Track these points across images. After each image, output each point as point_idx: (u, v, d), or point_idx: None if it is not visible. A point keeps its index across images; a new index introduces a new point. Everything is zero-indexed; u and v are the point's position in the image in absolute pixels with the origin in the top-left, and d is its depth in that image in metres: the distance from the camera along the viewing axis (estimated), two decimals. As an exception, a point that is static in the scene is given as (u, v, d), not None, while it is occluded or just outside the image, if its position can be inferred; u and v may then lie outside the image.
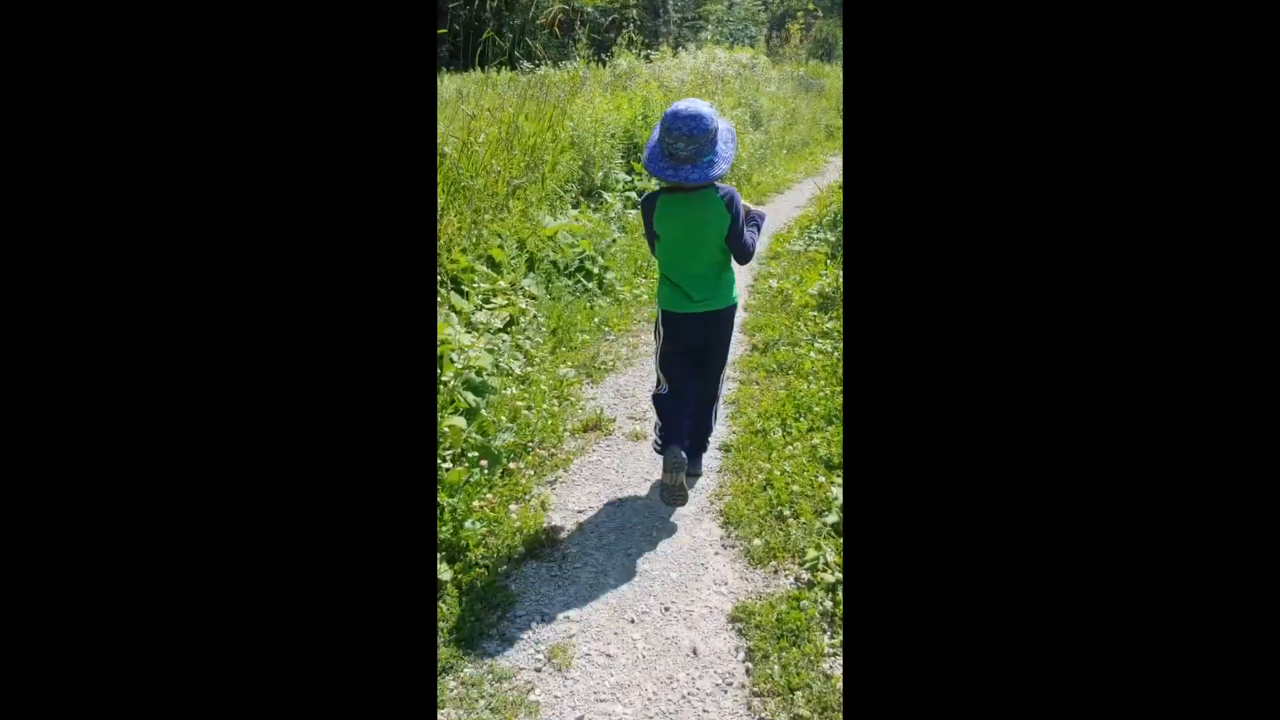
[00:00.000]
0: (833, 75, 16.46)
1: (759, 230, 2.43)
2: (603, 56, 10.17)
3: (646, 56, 10.13)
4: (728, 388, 3.29)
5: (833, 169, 9.83)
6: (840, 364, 3.50)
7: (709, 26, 19.59)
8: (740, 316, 3.98)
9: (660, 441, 2.58)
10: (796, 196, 8.12)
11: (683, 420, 2.51)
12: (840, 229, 5.78)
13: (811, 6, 25.42)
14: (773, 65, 13.66)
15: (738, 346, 4.01)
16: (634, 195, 6.06)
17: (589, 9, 17.67)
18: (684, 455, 2.41)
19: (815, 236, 5.93)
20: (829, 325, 4.04)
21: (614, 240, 5.22)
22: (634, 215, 5.80)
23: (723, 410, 3.12)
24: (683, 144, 2.19)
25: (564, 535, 2.52)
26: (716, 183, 2.30)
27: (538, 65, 7.63)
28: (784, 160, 9.73)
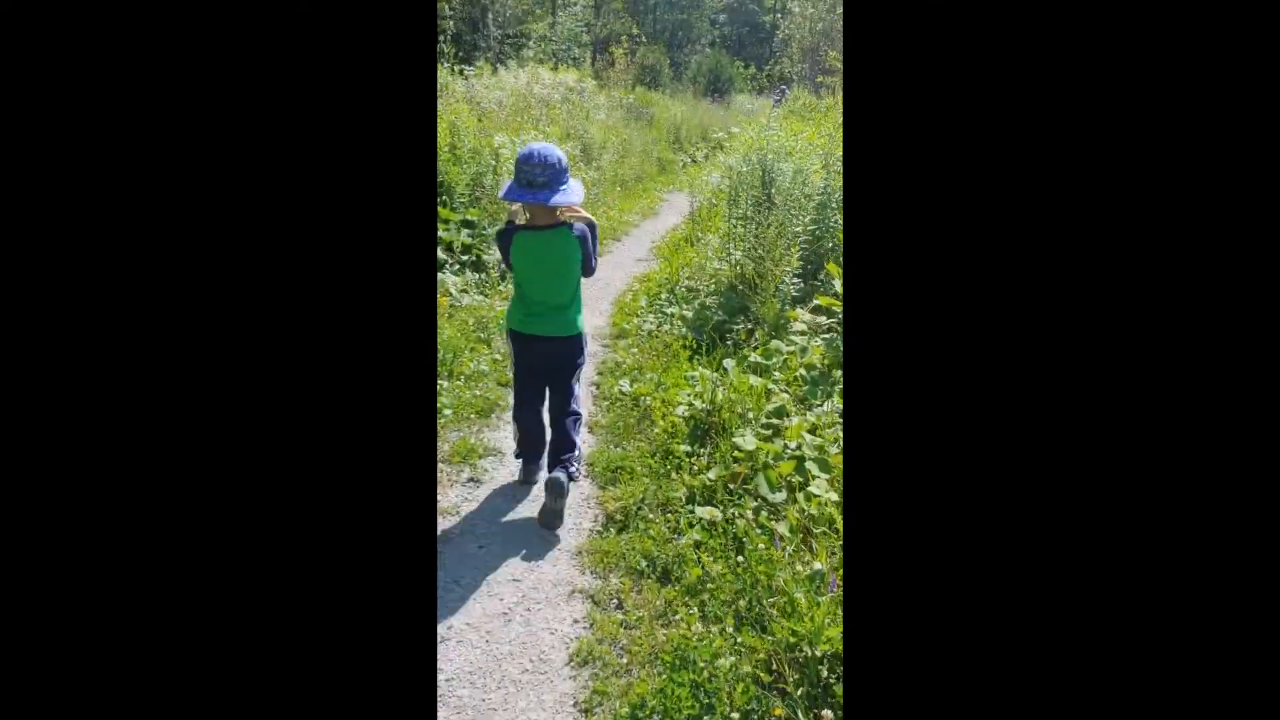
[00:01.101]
0: (660, 103, 15.81)
1: (595, 240, 2.65)
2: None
3: (461, 72, 8.67)
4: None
5: (669, 209, 8.85)
6: (752, 569, 2.30)
7: (531, 44, 18.42)
8: (586, 443, 3.23)
9: (518, 450, 2.90)
10: (635, 245, 7.01)
11: (535, 431, 2.79)
12: (698, 302, 4.68)
13: (635, 31, 25.06)
14: (600, 90, 12.65)
15: (583, 519, 2.74)
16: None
17: (397, 14, 15.79)
18: (537, 464, 2.83)
19: (667, 311, 4.78)
20: (711, 476, 2.79)
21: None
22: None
23: (583, 427, 3.11)
24: (539, 170, 2.42)
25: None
26: (572, 223, 2.58)
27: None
28: (618, 199, 8.61)
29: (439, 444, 3.15)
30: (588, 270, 2.65)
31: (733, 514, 2.58)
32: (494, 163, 5.51)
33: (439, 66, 8.31)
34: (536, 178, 2.42)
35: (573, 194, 2.48)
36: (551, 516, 2.63)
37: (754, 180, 4.84)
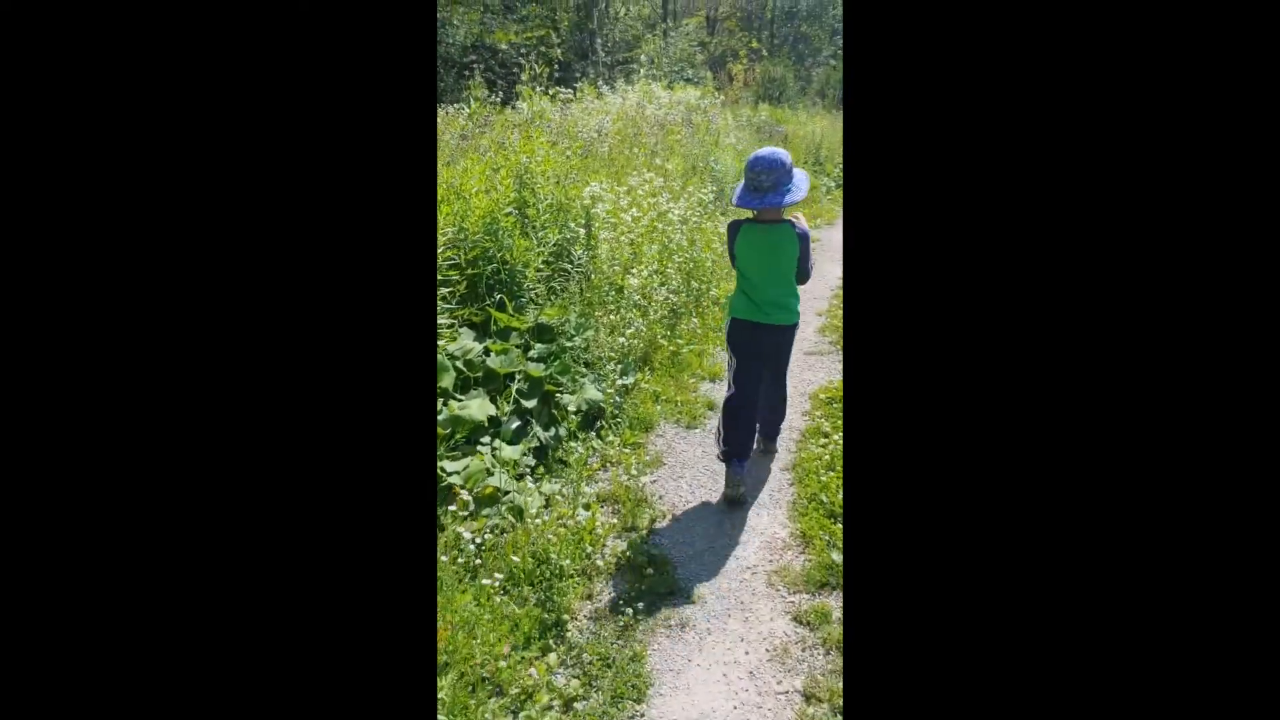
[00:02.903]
0: (791, 120, 13.73)
1: (808, 252, 2.80)
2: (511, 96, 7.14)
3: (553, 96, 6.89)
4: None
5: (825, 254, 6.62)
6: None
7: (641, 67, 16.84)
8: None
9: (723, 451, 2.93)
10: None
11: (747, 436, 2.89)
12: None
13: (755, 45, 23.14)
14: (723, 108, 10.70)
15: None
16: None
17: (502, 45, 14.69)
18: (743, 470, 2.91)
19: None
20: None
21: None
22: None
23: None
24: (765, 175, 2.63)
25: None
26: (795, 222, 2.79)
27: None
28: (759, 246, 6.55)
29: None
30: (803, 276, 2.78)
31: None
32: (584, 228, 3.58)
33: (532, 93, 6.56)
34: (763, 182, 2.63)
35: (797, 191, 2.64)
36: (737, 505, 2.89)
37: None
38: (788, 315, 2.80)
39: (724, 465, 2.93)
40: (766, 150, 2.65)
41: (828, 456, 3.17)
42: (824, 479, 2.99)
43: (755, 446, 2.99)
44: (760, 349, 2.85)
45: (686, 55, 18.91)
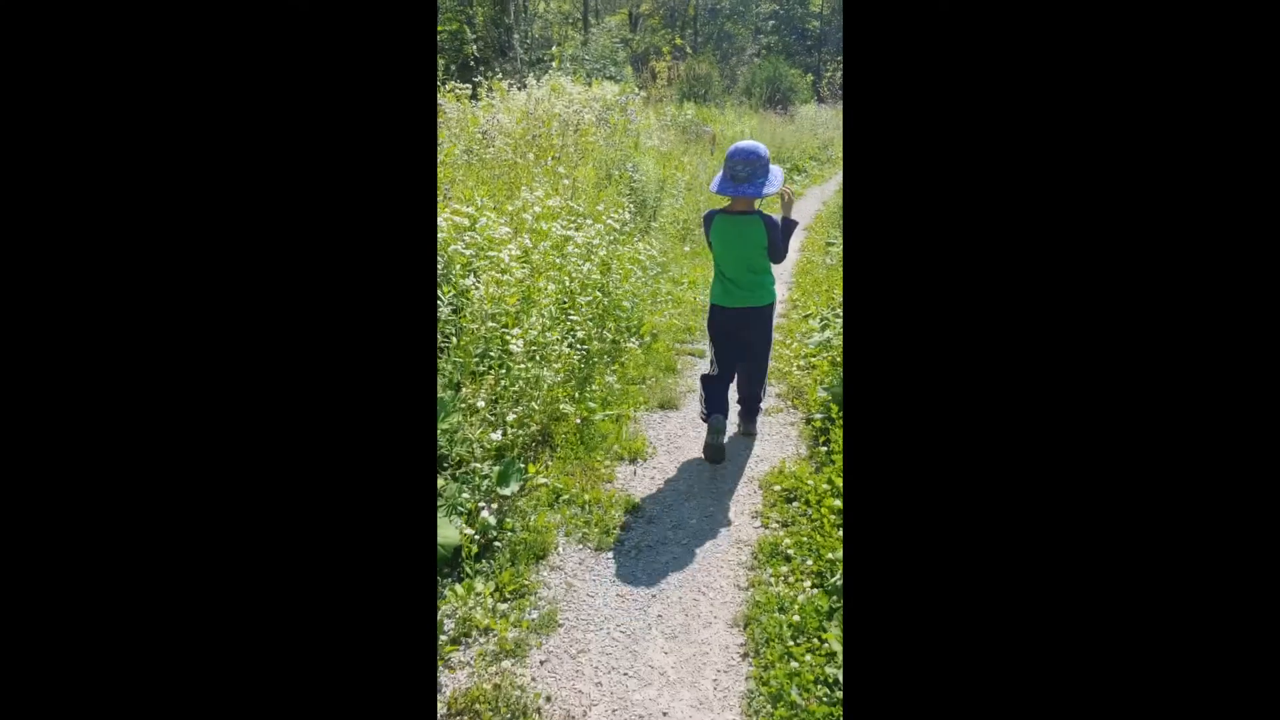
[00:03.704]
0: (718, 119, 12.88)
1: (788, 235, 3.00)
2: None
3: (452, 92, 5.77)
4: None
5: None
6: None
7: (557, 62, 15.74)
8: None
9: (705, 411, 3.10)
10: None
11: (722, 397, 3.08)
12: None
13: (679, 41, 22.30)
14: (646, 105, 9.74)
15: None
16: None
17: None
18: (723, 421, 3.02)
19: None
20: None
21: None
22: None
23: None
24: (743, 166, 2.84)
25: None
26: (763, 213, 2.95)
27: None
28: (689, 268, 5.56)
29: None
30: (775, 254, 2.94)
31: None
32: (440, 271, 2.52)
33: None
34: (740, 173, 2.83)
35: (771, 184, 2.85)
36: (718, 452, 3.02)
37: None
38: (762, 296, 3.00)
39: (706, 422, 3.10)
40: (747, 143, 2.88)
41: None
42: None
43: (739, 429, 3.30)
44: (738, 331, 3.04)
45: (609, 52, 17.97)
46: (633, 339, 3.92)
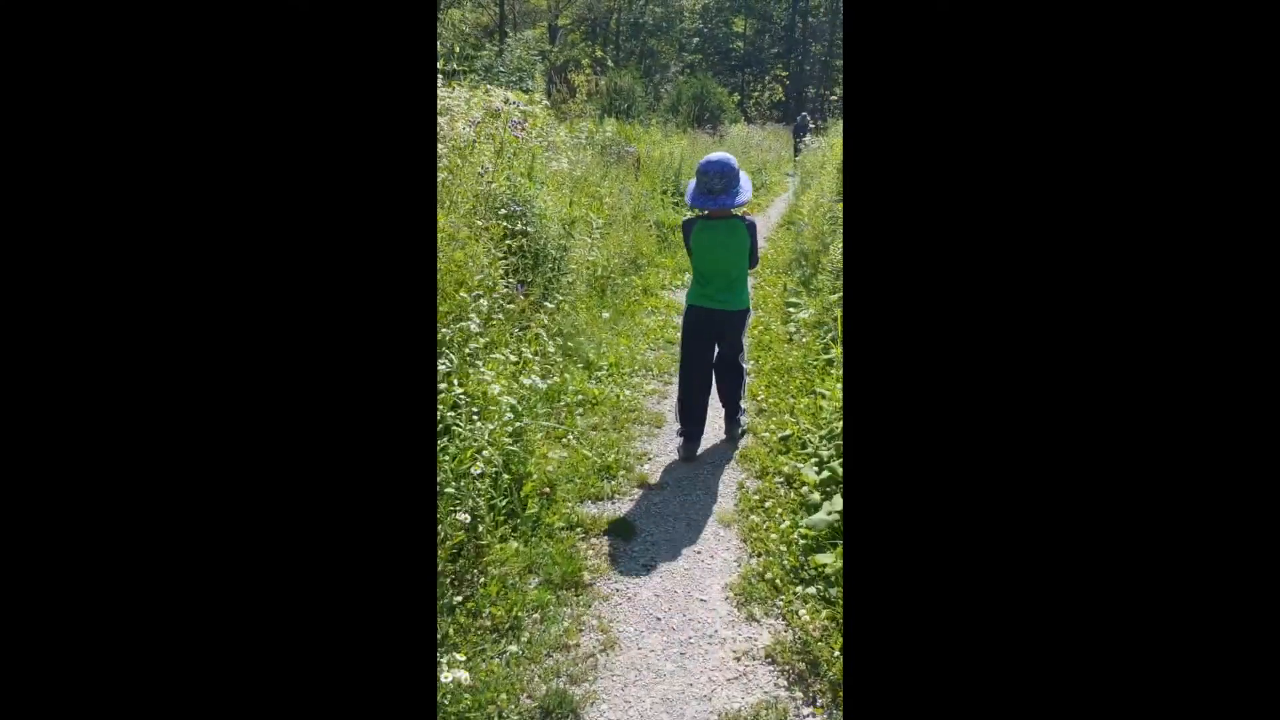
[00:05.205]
0: (643, 139, 11.40)
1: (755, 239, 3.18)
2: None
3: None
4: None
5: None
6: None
7: (473, 76, 14.10)
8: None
9: (681, 430, 3.24)
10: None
11: (697, 421, 3.20)
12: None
13: (600, 54, 20.99)
14: (557, 119, 8.21)
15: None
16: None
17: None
18: (694, 449, 3.22)
19: None
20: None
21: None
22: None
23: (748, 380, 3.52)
24: (717, 179, 3.00)
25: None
26: (742, 214, 3.15)
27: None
28: (609, 339, 4.01)
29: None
30: (753, 260, 3.14)
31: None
32: None
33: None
34: (715, 185, 3.00)
35: (744, 194, 3.03)
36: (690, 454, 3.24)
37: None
38: (738, 301, 3.15)
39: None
40: (717, 155, 3.05)
41: None
42: None
43: (737, 428, 3.40)
44: (710, 331, 3.17)
45: (525, 64, 16.44)
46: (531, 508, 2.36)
